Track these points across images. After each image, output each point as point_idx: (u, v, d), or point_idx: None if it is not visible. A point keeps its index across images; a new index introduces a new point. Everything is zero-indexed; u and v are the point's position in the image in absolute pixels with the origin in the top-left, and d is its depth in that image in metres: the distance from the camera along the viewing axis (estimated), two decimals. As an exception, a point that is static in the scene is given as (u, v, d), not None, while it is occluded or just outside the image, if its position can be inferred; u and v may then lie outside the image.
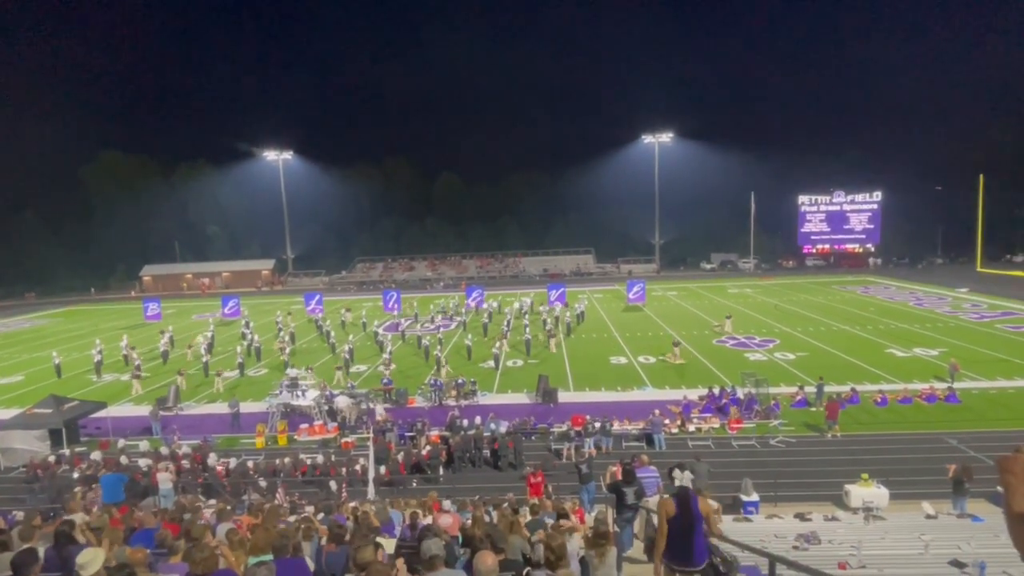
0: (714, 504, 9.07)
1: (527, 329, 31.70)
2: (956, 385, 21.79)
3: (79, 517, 7.17)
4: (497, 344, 29.32)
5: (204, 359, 29.37)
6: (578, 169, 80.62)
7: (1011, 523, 2.13)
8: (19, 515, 10.33)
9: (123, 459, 17.29)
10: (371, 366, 28.68)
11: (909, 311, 38.38)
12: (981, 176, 38.95)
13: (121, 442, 19.76)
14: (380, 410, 21.48)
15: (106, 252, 77.40)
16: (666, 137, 72.42)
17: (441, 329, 36.77)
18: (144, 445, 19.33)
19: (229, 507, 11.09)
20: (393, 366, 26.91)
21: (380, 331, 36.10)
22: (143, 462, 17.10)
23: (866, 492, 13.63)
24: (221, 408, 23.26)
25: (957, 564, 8.70)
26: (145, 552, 5.25)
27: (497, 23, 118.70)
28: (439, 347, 29.05)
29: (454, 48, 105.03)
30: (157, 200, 79.56)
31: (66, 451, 18.95)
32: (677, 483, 6.40)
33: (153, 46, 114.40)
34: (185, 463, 17.23)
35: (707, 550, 5.64)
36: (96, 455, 17.88)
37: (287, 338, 33.75)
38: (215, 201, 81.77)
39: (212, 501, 13.92)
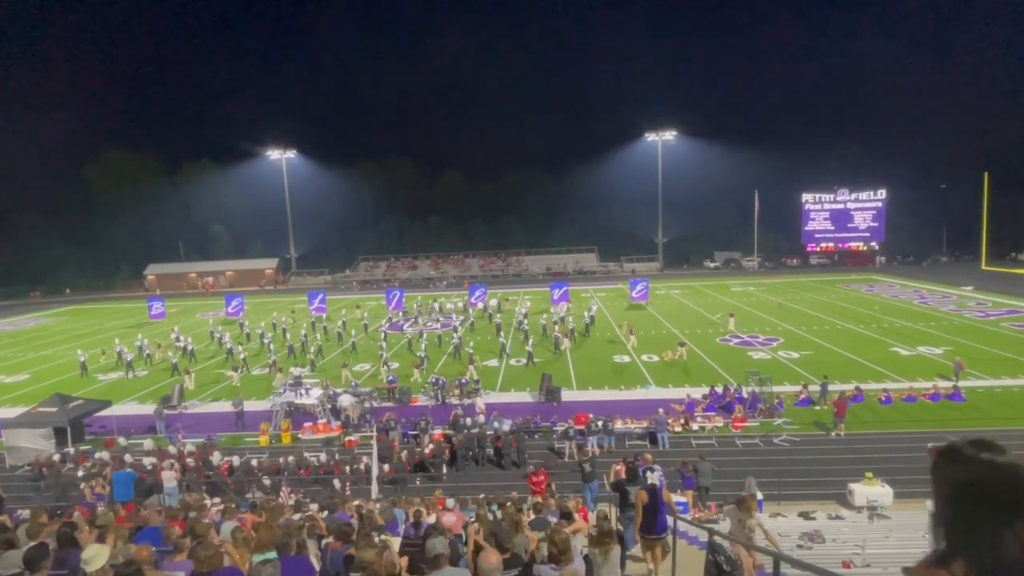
0: (763, 517, 8.97)
1: (546, 329, 31.71)
2: (961, 384, 21.70)
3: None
4: (530, 342, 29.82)
5: (242, 355, 30.33)
6: (581, 167, 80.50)
7: None
8: (24, 513, 10.38)
9: (127, 457, 17.39)
10: (373, 365, 28.74)
11: (914, 309, 38.26)
12: (986, 174, 38.78)
13: (122, 440, 19.85)
14: (482, 404, 21.42)
15: (110, 251, 77.66)
16: (669, 135, 72.23)
17: (445, 328, 36.80)
18: (148, 444, 19.40)
19: (233, 505, 11.14)
20: (423, 366, 27.33)
21: (386, 330, 36.16)
22: (148, 460, 17.18)
23: (870, 491, 13.60)
24: (225, 407, 23.33)
25: (962, 563, 8.66)
26: (151, 550, 5.28)
27: (500, 21, 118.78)
28: (453, 346, 29.28)
29: (457, 46, 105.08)
30: (161, 199, 79.76)
31: (71, 449, 19.04)
32: (649, 481, 8.62)
33: (156, 45, 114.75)
34: (190, 461, 17.30)
35: (667, 525, 8.13)
36: (104, 454, 17.98)
37: (308, 336, 34.35)
38: (219, 200, 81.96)
39: (216, 499, 13.96)
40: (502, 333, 32.83)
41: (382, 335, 33.41)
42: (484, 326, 37.41)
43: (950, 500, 1.43)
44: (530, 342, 29.60)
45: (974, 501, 1.38)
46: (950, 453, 1.47)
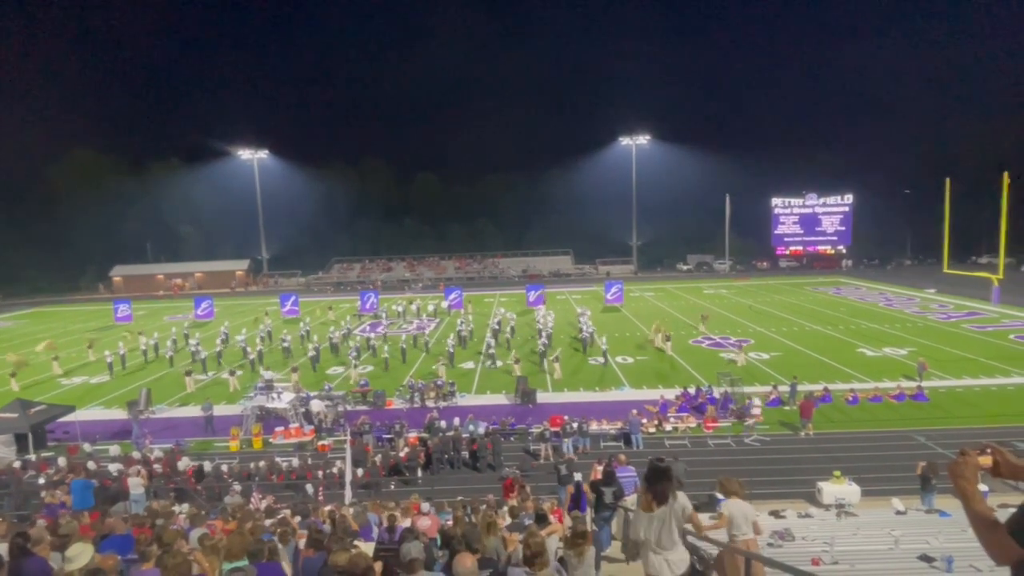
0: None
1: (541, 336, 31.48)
2: (924, 384, 22.33)
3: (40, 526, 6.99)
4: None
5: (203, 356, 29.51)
6: (556, 170, 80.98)
7: (975, 525, 2.13)
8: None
9: (91, 464, 16.86)
10: (345, 367, 28.43)
11: (879, 311, 39.23)
12: (948, 180, 40.02)
13: (87, 446, 19.29)
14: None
15: (76, 252, 75.30)
16: (643, 139, 73.04)
17: (420, 330, 36.60)
18: (115, 449, 18.88)
19: (203, 512, 10.92)
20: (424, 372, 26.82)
21: (367, 333, 35.81)
22: (113, 467, 16.70)
23: (838, 489, 13.88)
24: (194, 411, 22.82)
25: (926, 559, 8.91)
26: (116, 558, 5.15)
27: (476, 25, 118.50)
28: (450, 348, 29.23)
29: (432, 49, 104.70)
30: (128, 199, 77.54)
31: (32, 456, 18.44)
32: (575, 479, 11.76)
33: (125, 43, 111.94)
34: (157, 467, 16.88)
35: (587, 507, 10.70)
36: (62, 461, 17.42)
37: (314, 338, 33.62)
38: (188, 200, 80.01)
39: (185, 506, 13.65)
40: (452, 339, 31.79)
41: (358, 337, 32.92)
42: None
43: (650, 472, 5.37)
44: (604, 339, 29.57)
45: (657, 475, 5.29)
46: (652, 459, 5.52)
